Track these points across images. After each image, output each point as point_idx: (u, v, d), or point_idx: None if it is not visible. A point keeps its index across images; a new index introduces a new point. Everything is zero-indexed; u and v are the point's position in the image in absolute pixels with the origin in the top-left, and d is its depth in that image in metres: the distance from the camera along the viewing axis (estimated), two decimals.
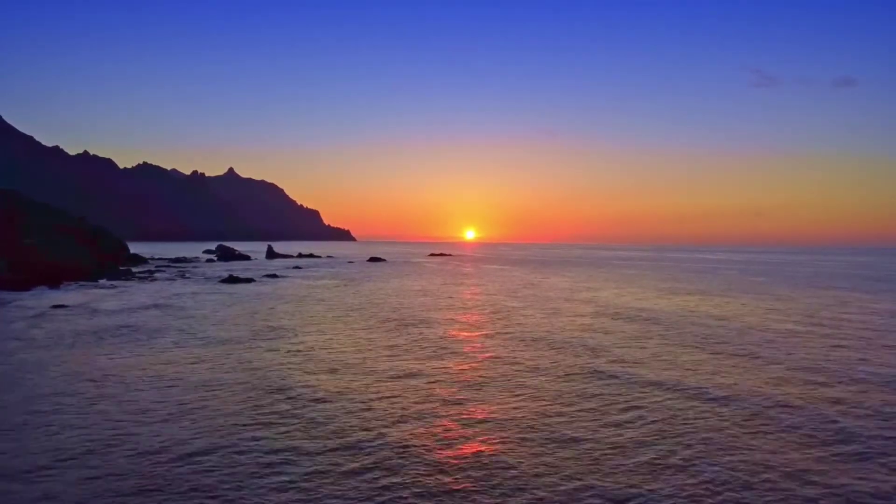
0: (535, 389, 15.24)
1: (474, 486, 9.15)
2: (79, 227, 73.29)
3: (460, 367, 17.83)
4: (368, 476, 9.47)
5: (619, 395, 14.75)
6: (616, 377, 16.55)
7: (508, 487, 9.13)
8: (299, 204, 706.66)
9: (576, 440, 11.33)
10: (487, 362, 18.57)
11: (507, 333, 24.03)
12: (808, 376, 16.82)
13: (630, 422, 12.53)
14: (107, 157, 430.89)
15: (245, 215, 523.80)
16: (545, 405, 13.78)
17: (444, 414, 13.03)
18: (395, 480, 9.31)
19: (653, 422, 12.56)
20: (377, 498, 8.69)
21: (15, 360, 17.71)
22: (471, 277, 64.37)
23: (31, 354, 18.60)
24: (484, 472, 9.69)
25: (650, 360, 18.92)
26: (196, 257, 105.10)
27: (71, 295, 36.69)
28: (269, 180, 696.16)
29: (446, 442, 11.21)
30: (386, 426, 12.05)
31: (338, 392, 14.65)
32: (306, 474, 9.50)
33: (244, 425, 12.00)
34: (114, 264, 63.02)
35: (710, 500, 8.77)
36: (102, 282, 48.47)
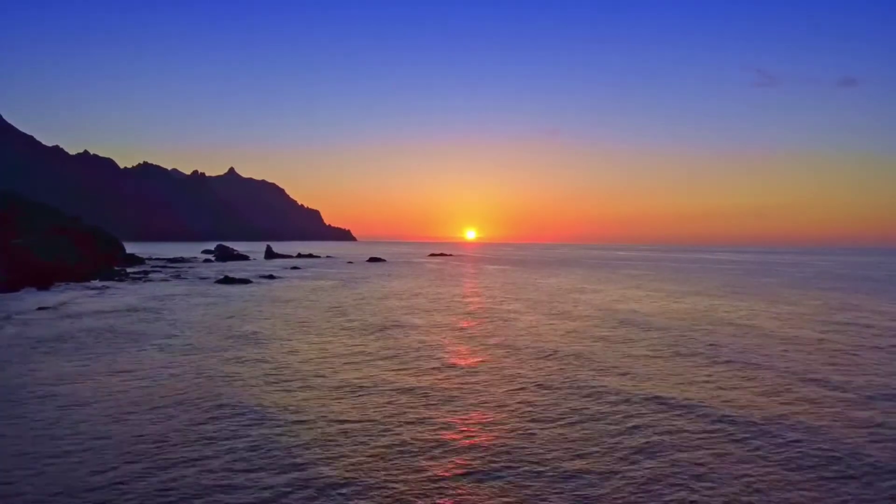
0: (514, 406, 13.65)
1: None
2: (73, 227, 72.33)
3: (433, 379, 16.19)
4: None
5: (625, 420, 12.67)
6: (622, 397, 14.51)
7: None
8: (300, 204, 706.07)
9: (562, 476, 9.58)
10: (466, 374, 16.96)
11: (497, 339, 22.71)
12: (840, 394, 14.99)
13: (632, 458, 10.39)
14: (107, 156, 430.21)
15: (246, 215, 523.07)
16: (524, 425, 12.23)
17: (390, 437, 11.31)
18: None
19: (659, 453, 10.63)
20: None
21: None
22: (470, 278, 63.38)
23: None
24: None
25: (659, 375, 16.91)
26: (194, 257, 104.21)
27: (59, 296, 35.74)
28: (269, 180, 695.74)
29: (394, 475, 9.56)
30: (333, 450, 10.59)
31: (287, 408, 13.19)
32: None
33: (173, 445, 10.68)
34: (109, 265, 62.12)
35: None
36: (95, 283, 47.54)
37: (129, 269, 63.09)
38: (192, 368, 16.95)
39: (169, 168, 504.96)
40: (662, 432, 11.80)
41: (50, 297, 34.72)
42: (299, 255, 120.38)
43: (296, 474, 9.48)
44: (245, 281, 50.29)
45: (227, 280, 49.49)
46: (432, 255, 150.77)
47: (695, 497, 8.85)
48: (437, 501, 8.65)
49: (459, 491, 9.00)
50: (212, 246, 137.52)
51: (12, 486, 8.92)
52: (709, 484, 9.33)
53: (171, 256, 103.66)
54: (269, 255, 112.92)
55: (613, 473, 9.71)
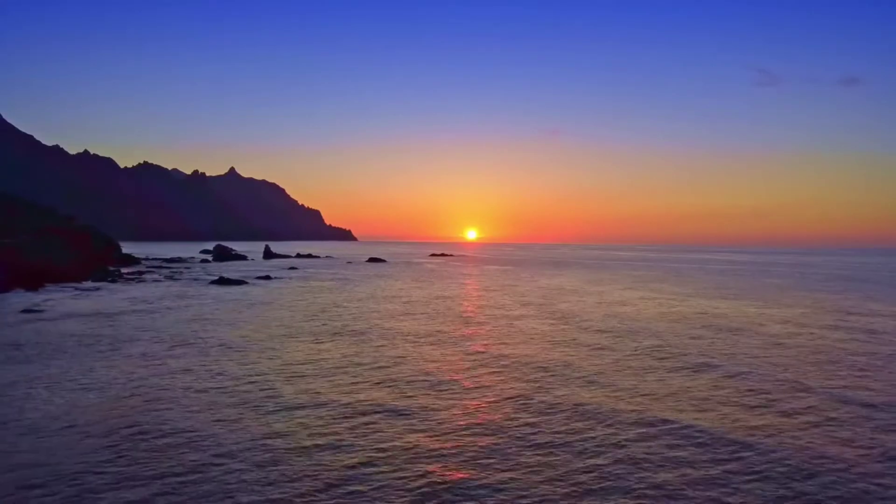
0: (479, 430, 11.84)
1: None
2: (68, 227, 71.51)
3: (389, 396, 14.30)
4: None
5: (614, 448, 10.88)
6: (612, 418, 12.66)
7: None
8: (300, 204, 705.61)
9: None
10: (432, 388, 15.13)
11: (481, 346, 21.38)
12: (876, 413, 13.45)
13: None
14: (107, 156, 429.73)
15: (246, 215, 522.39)
16: (489, 453, 10.53)
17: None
18: None
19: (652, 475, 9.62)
20: None
21: None
22: (469, 279, 62.32)
23: None
24: None
25: (665, 393, 14.80)
26: (191, 258, 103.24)
27: (49, 299, 34.67)
28: (270, 180, 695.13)
29: None
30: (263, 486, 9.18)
31: (208, 431, 11.56)
32: None
33: (81, 472, 9.33)
34: (103, 265, 61.10)
35: None
36: (86, 284, 46.50)
37: (123, 270, 62.01)
38: (127, 380, 15.48)
39: (169, 168, 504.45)
40: (660, 461, 10.64)
41: (37, 300, 33.67)
42: (298, 256, 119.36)
43: None
44: (240, 282, 49.24)
45: (222, 281, 48.45)
46: (433, 255, 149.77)
47: None
48: None
49: None
50: (211, 246, 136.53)
51: None
52: None
53: (169, 256, 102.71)
54: (268, 255, 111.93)
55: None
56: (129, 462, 9.94)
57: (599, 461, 10.29)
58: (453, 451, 10.69)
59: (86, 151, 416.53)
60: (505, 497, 8.81)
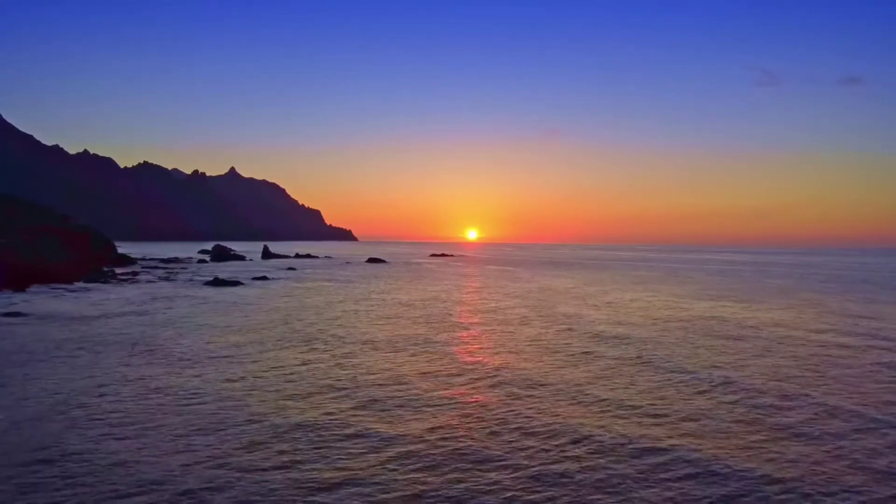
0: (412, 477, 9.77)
1: None
2: (62, 227, 70.50)
3: (323, 417, 12.65)
4: None
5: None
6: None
7: None
8: (301, 204, 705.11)
9: None
10: (373, 413, 13.07)
11: (462, 361, 19.67)
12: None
13: None
14: (107, 156, 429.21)
15: (246, 215, 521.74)
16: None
17: None
18: None
19: None
20: None
21: None
22: (469, 280, 61.39)
23: None
24: None
25: (698, 422, 12.36)
26: (189, 258, 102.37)
27: (33, 300, 33.73)
28: (270, 180, 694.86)
29: None
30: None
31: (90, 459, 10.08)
32: None
33: None
34: (97, 265, 60.20)
35: None
36: (77, 284, 45.60)
37: (118, 270, 61.12)
38: (60, 393, 14.09)
39: (169, 168, 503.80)
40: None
41: (23, 301, 32.72)
42: (297, 256, 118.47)
43: None
44: (235, 283, 48.32)
45: (216, 282, 47.54)
46: (433, 255, 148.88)
47: None
48: None
49: None
50: (210, 246, 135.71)
51: None
52: None
53: (166, 257, 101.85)
54: (266, 255, 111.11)
55: None
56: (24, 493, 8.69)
57: None
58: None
59: (85, 151, 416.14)
60: None
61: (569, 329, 25.78)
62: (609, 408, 13.61)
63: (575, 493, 8.99)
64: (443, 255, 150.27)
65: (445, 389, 15.29)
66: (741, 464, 10.19)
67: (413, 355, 19.69)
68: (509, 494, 8.91)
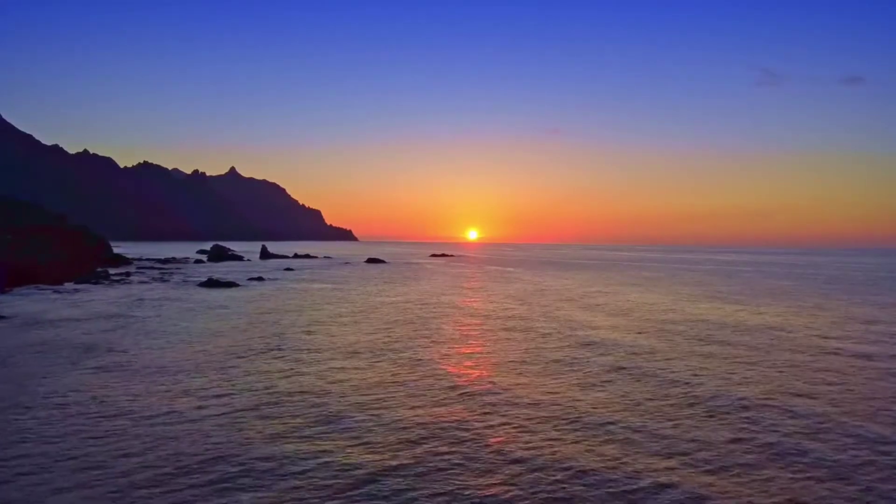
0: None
1: None
2: (57, 226, 69.34)
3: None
4: None
5: None
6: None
7: None
8: (301, 204, 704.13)
9: None
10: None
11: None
12: None
13: None
14: (107, 156, 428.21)
15: (247, 215, 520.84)
16: None
17: None
18: None
19: None
20: None
21: None
22: (469, 281, 60.15)
23: None
24: None
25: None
26: (186, 258, 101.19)
27: (14, 301, 32.55)
28: (270, 180, 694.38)
29: None
30: None
31: None
32: None
33: None
34: (91, 266, 59.01)
35: None
36: (67, 285, 44.42)
37: (111, 271, 59.90)
38: None
39: (169, 168, 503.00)
40: None
41: (6, 303, 31.53)
42: (296, 256, 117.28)
43: None
44: (230, 284, 47.08)
45: (210, 283, 46.32)
46: (433, 255, 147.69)
47: None
48: None
49: None
50: (209, 246, 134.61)
51: None
52: None
53: (164, 257, 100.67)
54: (265, 255, 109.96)
55: None
56: None
57: None
58: None
59: (85, 151, 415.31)
60: None
61: (567, 336, 24.53)
62: (607, 434, 11.75)
63: None
64: (443, 255, 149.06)
65: (417, 407, 13.57)
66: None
67: (396, 365, 17.97)
68: None
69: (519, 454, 10.54)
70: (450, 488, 9.06)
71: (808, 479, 9.62)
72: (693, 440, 11.40)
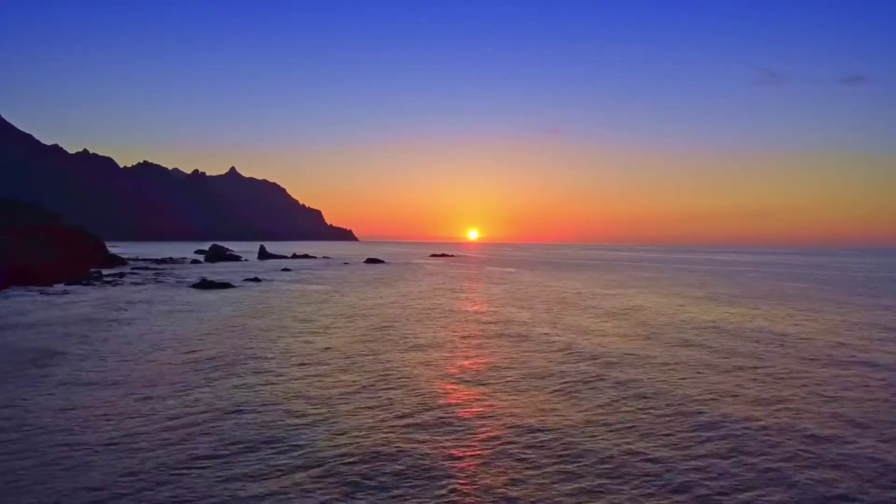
0: None
1: None
2: (51, 226, 68.39)
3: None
4: None
5: None
6: None
7: None
8: (301, 204, 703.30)
9: None
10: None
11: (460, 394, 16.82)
12: None
13: None
14: (106, 156, 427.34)
15: (246, 215, 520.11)
16: None
17: None
18: None
19: None
20: None
21: None
22: (469, 283, 59.12)
23: None
24: None
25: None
26: (184, 258, 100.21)
27: (2, 304, 31.56)
28: (270, 180, 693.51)
29: None
30: None
31: None
32: None
33: None
34: (84, 267, 58.07)
35: None
36: (57, 287, 43.42)
37: (105, 272, 59.02)
38: None
39: (169, 168, 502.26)
40: None
41: None
42: (294, 256, 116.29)
43: None
44: (224, 285, 46.08)
45: (204, 284, 45.34)
46: (433, 255, 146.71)
47: None
48: None
49: None
50: (208, 246, 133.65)
51: None
52: None
53: (161, 257, 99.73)
54: (263, 255, 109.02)
55: None
56: None
57: None
58: None
59: (85, 151, 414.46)
60: None
61: (563, 344, 23.49)
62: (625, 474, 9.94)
63: None
64: (443, 255, 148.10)
65: (371, 428, 11.87)
66: None
67: (362, 375, 16.43)
68: None
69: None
70: None
71: None
72: (708, 479, 10.40)
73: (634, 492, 9.05)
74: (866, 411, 13.60)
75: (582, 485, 9.29)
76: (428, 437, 11.46)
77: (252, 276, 57.32)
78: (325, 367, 17.73)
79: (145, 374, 16.43)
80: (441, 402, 14.08)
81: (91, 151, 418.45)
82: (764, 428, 12.22)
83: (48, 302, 33.36)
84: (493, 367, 17.94)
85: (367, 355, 19.53)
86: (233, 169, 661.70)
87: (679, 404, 13.95)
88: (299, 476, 9.47)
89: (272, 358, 18.92)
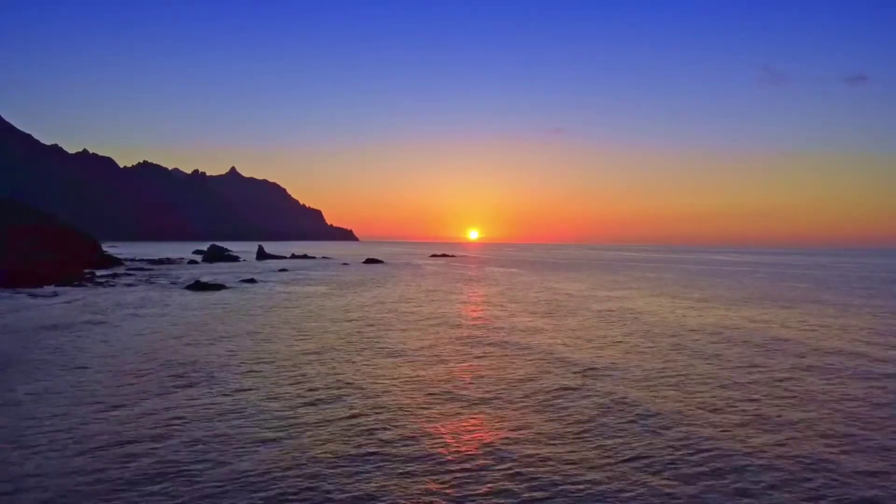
0: None
1: None
2: (44, 226, 67.27)
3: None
4: None
5: None
6: None
7: None
8: (302, 204, 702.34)
9: None
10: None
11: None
12: None
13: None
14: (106, 156, 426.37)
15: (247, 215, 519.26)
16: None
17: None
18: None
19: None
20: None
21: None
22: (469, 284, 57.89)
23: None
24: None
25: None
26: (181, 258, 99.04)
27: None
28: (271, 180, 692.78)
29: None
30: None
31: None
32: None
33: None
34: (77, 267, 56.87)
35: None
36: (46, 289, 42.22)
37: (99, 273, 57.86)
38: None
39: (169, 168, 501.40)
40: None
41: None
42: (293, 257, 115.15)
43: None
44: (217, 287, 44.90)
45: (198, 286, 44.13)
46: (434, 255, 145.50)
47: None
48: None
49: None
50: (206, 246, 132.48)
51: None
52: None
53: (158, 257, 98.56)
54: (261, 255, 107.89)
55: None
56: None
57: None
58: None
59: (85, 151, 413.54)
60: None
61: (575, 367, 22.28)
62: None
63: None
64: (444, 255, 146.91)
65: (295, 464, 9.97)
66: None
67: (300, 395, 14.32)
68: None
69: None
70: None
71: None
72: None
73: None
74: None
75: None
76: (371, 465, 10.18)
77: (248, 277, 56.13)
78: (274, 377, 16.33)
79: (86, 387, 14.99)
80: (396, 421, 12.61)
81: (91, 151, 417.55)
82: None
83: (32, 305, 32.13)
84: (468, 381, 16.66)
85: (341, 362, 18.29)
86: (233, 169, 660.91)
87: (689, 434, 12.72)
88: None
89: (226, 367, 17.49)
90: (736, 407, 13.79)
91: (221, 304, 34.02)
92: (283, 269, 72.57)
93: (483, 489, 9.12)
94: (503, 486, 9.24)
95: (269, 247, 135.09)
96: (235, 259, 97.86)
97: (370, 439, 11.28)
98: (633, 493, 8.98)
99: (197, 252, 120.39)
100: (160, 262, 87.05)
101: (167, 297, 37.51)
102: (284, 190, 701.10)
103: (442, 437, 11.45)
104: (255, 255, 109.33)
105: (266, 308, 32.65)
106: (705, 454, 10.65)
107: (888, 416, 13.33)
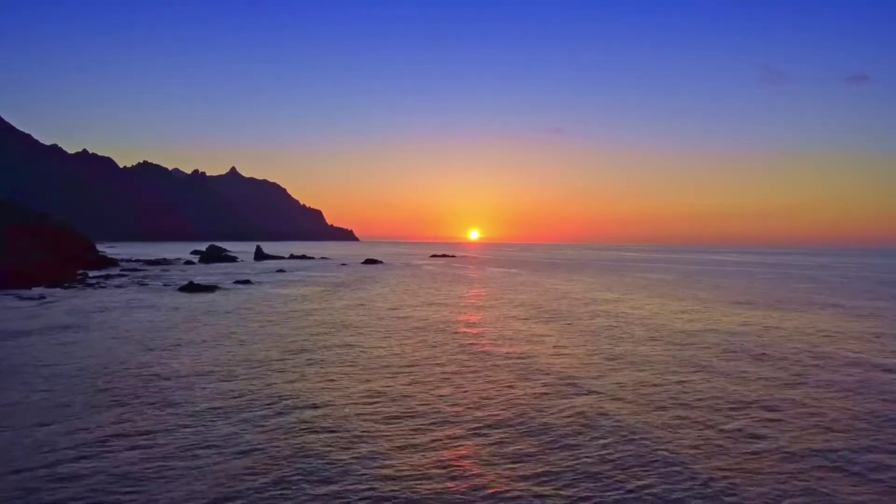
0: None
1: None
2: (37, 226, 66.33)
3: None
4: None
5: None
6: None
7: None
8: (302, 204, 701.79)
9: None
10: None
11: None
12: None
13: None
14: (106, 156, 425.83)
15: (247, 215, 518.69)
16: None
17: None
18: None
19: None
20: None
21: None
22: (469, 285, 56.91)
23: None
24: None
25: None
26: (178, 259, 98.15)
27: None
28: (271, 180, 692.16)
29: None
30: None
31: None
32: None
33: None
34: (70, 268, 55.98)
35: None
36: (35, 290, 41.32)
37: (92, 274, 57.02)
38: None
39: (169, 168, 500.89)
40: None
41: None
42: (291, 257, 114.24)
43: None
44: (211, 288, 43.95)
45: (190, 287, 43.18)
46: (434, 256, 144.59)
47: None
48: None
49: None
50: (205, 246, 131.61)
51: None
52: None
53: (155, 258, 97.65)
54: (259, 256, 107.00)
55: None
56: None
57: None
58: None
59: (84, 151, 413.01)
60: None
61: (576, 386, 21.30)
62: None
63: None
64: (444, 255, 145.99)
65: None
66: None
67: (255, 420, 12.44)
68: None
69: None
70: None
71: None
72: None
73: None
74: None
75: None
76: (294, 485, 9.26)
77: (243, 278, 55.17)
78: (225, 391, 15.42)
79: (32, 399, 13.97)
80: (345, 440, 11.57)
81: (91, 151, 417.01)
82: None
83: (16, 308, 31.17)
84: (439, 395, 15.71)
85: (307, 374, 17.29)
86: (233, 169, 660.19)
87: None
88: None
89: (181, 377, 16.29)
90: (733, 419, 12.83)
91: (209, 308, 32.97)
92: (280, 270, 71.66)
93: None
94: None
95: (269, 247, 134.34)
96: (233, 259, 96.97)
97: (317, 455, 10.31)
98: None
99: (195, 252, 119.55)
100: (156, 262, 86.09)
101: (156, 300, 36.52)
102: (284, 190, 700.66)
103: (400, 457, 10.49)
104: (253, 256, 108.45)
105: (255, 311, 31.60)
106: (692, 474, 9.69)
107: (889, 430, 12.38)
